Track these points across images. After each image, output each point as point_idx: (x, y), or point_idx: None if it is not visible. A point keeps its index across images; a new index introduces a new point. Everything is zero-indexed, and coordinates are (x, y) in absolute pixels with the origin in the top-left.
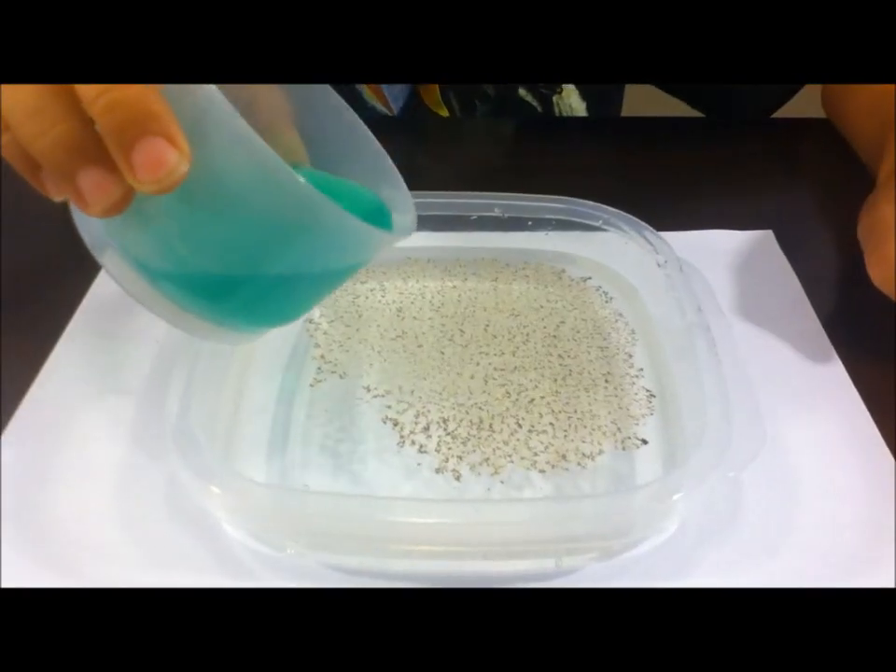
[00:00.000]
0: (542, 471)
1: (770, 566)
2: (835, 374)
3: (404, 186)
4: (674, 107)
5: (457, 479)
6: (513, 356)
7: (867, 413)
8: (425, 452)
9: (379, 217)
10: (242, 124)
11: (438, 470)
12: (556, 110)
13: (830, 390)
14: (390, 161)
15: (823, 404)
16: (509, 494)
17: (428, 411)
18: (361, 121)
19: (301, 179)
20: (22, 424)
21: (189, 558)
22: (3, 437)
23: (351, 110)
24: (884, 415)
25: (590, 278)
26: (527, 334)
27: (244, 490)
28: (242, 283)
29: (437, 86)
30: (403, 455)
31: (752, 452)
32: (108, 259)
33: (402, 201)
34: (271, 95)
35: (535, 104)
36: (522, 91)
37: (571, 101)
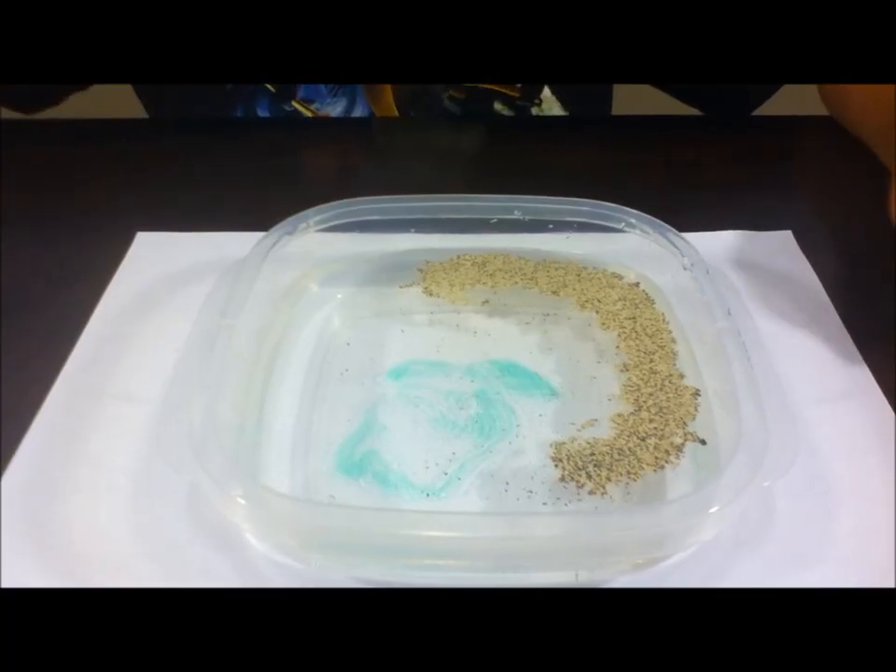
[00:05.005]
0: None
1: (805, 575)
2: (859, 376)
3: None
4: (665, 110)
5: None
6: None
7: (892, 414)
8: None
9: None
10: None
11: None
12: None
13: (855, 392)
14: None
15: (848, 407)
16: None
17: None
18: None
19: None
20: (40, 432)
21: (211, 570)
22: (20, 445)
23: None
24: None
25: (638, 283)
26: (618, 333)
27: (268, 501)
28: None
29: (390, 95)
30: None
31: (787, 461)
32: None
33: None
34: None
35: (512, 116)
36: (498, 105)
37: (553, 112)
